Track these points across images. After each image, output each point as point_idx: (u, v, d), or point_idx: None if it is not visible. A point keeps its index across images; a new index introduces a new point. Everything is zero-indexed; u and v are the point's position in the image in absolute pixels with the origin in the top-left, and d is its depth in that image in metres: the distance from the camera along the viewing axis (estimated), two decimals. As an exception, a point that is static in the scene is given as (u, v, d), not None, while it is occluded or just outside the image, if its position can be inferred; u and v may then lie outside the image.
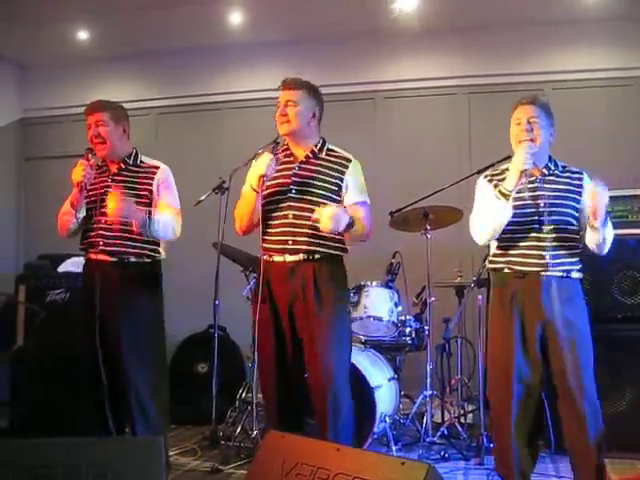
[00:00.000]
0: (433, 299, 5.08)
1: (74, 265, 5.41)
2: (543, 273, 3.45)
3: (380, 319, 4.98)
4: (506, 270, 3.56)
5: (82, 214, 3.96)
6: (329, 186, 3.61)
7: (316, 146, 3.71)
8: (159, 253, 4.07)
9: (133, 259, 3.94)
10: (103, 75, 7.45)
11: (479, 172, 5.06)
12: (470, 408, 5.43)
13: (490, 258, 3.70)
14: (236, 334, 6.29)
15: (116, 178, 4.00)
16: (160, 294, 4.16)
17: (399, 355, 5.38)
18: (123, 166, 4.04)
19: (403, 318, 5.12)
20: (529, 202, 3.52)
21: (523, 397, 3.47)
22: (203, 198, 4.87)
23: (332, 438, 3.40)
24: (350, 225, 3.46)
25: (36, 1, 6.25)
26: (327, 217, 3.39)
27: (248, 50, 7.24)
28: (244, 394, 5.27)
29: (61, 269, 5.71)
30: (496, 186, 3.57)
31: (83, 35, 7.03)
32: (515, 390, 3.46)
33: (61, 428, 4.42)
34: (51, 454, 2.71)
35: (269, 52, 7.17)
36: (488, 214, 3.52)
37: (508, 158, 4.89)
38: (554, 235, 3.47)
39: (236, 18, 6.74)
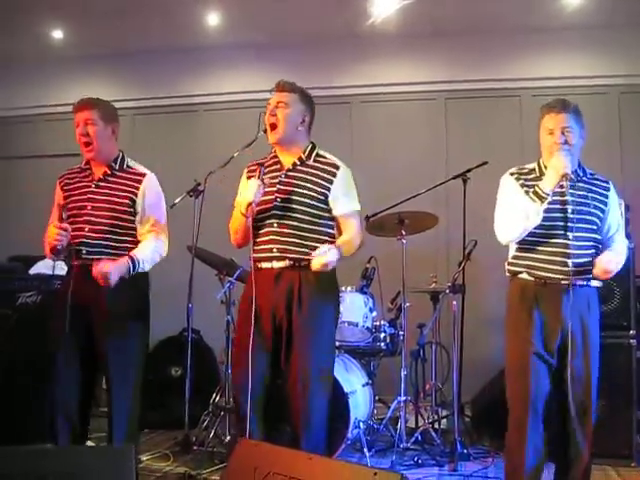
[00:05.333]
0: (408, 304, 5.08)
1: (46, 267, 5.32)
2: (565, 282, 3.40)
3: (355, 324, 4.97)
4: (525, 275, 3.51)
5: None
6: (314, 195, 3.57)
7: (304, 152, 3.67)
8: None
9: None
10: (78, 75, 7.37)
11: (455, 178, 5.11)
12: (444, 413, 5.43)
13: (509, 260, 3.63)
14: (210, 338, 6.26)
15: (100, 184, 3.86)
16: (146, 300, 4.03)
17: (374, 360, 5.38)
18: (108, 171, 3.88)
19: (378, 323, 5.12)
20: (557, 207, 3.46)
21: (540, 405, 3.42)
22: (178, 201, 4.83)
23: (305, 446, 3.37)
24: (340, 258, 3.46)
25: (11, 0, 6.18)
26: (319, 264, 3.38)
27: (225, 52, 7.20)
28: (217, 398, 5.23)
29: (33, 271, 5.63)
30: (523, 185, 3.53)
31: (58, 34, 6.97)
32: (533, 397, 3.41)
33: (32, 434, 4.38)
34: (16, 463, 2.65)
35: (247, 54, 7.14)
36: (518, 214, 3.43)
37: (485, 164, 4.94)
38: (579, 243, 3.42)
39: (213, 20, 6.72)
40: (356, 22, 6.55)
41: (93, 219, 3.79)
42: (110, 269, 3.60)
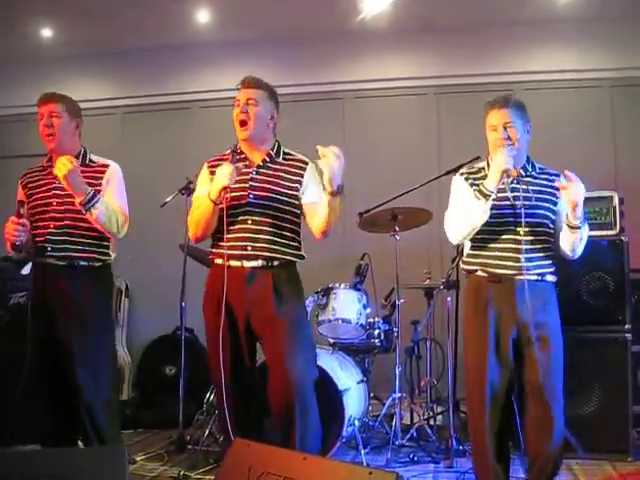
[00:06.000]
0: (402, 301, 5.07)
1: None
2: (518, 277, 3.43)
3: (349, 321, 4.94)
4: (480, 272, 3.54)
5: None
6: (288, 191, 3.56)
7: (272, 149, 3.66)
8: (109, 255, 3.94)
9: (83, 262, 3.81)
10: (68, 73, 7.31)
11: (448, 173, 5.07)
12: (439, 410, 5.41)
13: (463, 259, 3.67)
14: (204, 336, 6.21)
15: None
16: (110, 297, 4.06)
17: (368, 357, 5.36)
18: None
19: (372, 320, 5.09)
20: (505, 203, 3.49)
21: (497, 400, 3.45)
22: (169, 199, 4.82)
23: (298, 447, 3.34)
24: (341, 188, 3.38)
25: (1, -1, 6.15)
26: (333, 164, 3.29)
27: (216, 49, 7.17)
28: (212, 397, 5.21)
29: (25, 271, 5.59)
30: (472, 185, 3.55)
31: (47, 33, 6.91)
32: (489, 394, 3.44)
33: (23, 435, 4.36)
34: (7, 465, 2.63)
35: (238, 51, 7.10)
36: (465, 213, 3.47)
37: (477, 159, 4.92)
38: (530, 238, 3.45)
39: (204, 17, 6.68)
40: (347, 18, 6.52)
41: (58, 215, 3.79)
42: (74, 165, 3.60)
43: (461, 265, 3.71)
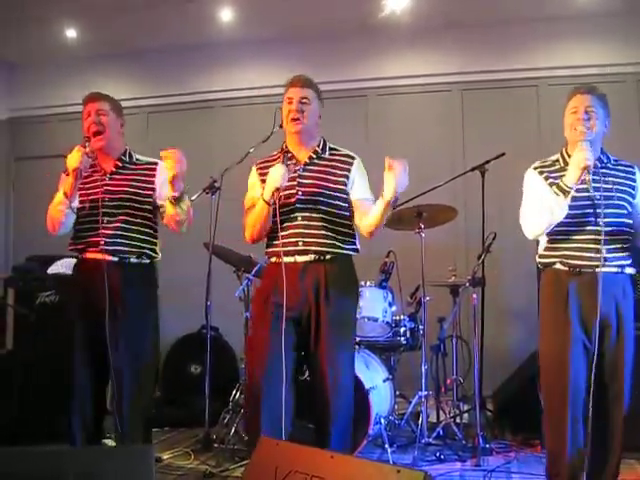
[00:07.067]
0: (427, 298, 5.04)
1: (64, 266, 5.34)
2: (599, 269, 3.36)
3: (374, 319, 4.93)
4: (559, 265, 3.48)
5: (75, 204, 3.80)
6: (335, 185, 3.59)
7: (318, 146, 3.70)
8: (157, 254, 3.97)
9: (134, 259, 3.83)
10: (92, 74, 7.36)
11: (473, 170, 5.06)
12: (466, 408, 5.39)
13: (540, 252, 3.60)
14: (229, 335, 6.25)
15: (114, 177, 3.86)
16: (157, 294, 4.06)
17: (394, 355, 5.34)
18: (120, 164, 3.89)
19: (397, 318, 5.07)
20: (584, 194, 3.43)
21: (579, 395, 3.39)
22: (194, 198, 4.81)
23: (334, 439, 3.40)
24: (396, 201, 3.44)
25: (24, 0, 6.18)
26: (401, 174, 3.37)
27: (240, 48, 7.18)
28: (237, 395, 5.21)
29: (51, 271, 5.64)
30: (547, 178, 3.52)
31: (72, 34, 6.96)
32: (572, 389, 3.38)
33: (50, 434, 4.38)
34: (37, 463, 2.65)
35: (261, 50, 7.12)
36: (543, 208, 3.42)
37: (502, 155, 4.90)
38: (610, 228, 3.39)
39: (227, 15, 6.70)
40: (370, 15, 6.49)
41: (110, 211, 3.79)
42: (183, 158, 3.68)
43: (537, 259, 3.63)
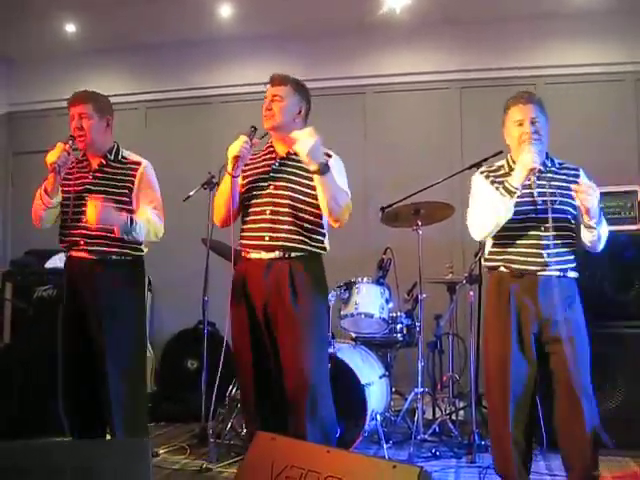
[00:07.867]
0: (424, 295, 5.04)
1: (62, 261, 5.31)
2: (541, 273, 3.42)
3: (371, 316, 4.93)
4: (502, 269, 3.53)
5: (56, 200, 3.87)
6: (308, 182, 3.52)
7: None
8: (141, 251, 3.98)
9: (115, 257, 3.85)
10: (91, 68, 7.36)
11: (471, 167, 5.05)
12: (461, 405, 5.39)
13: (486, 256, 3.66)
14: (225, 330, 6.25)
15: (97, 174, 3.91)
16: (143, 291, 4.10)
17: (390, 352, 5.35)
18: (104, 162, 3.94)
19: (394, 315, 5.08)
20: (527, 199, 3.47)
21: (520, 396, 3.44)
22: (192, 193, 4.83)
23: (311, 437, 3.32)
24: (325, 167, 3.37)
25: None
26: (306, 136, 3.34)
27: (239, 44, 7.17)
28: (234, 391, 5.22)
29: (49, 265, 5.65)
30: (493, 182, 3.54)
31: (71, 28, 6.96)
32: (512, 389, 3.42)
33: (48, 427, 4.39)
34: (32, 457, 2.65)
35: (260, 46, 7.11)
36: (488, 210, 3.45)
37: (500, 153, 4.89)
38: (553, 233, 3.42)
39: (226, 11, 6.70)
40: (369, 12, 6.49)
41: None
42: (101, 207, 3.64)
43: (483, 262, 3.71)
